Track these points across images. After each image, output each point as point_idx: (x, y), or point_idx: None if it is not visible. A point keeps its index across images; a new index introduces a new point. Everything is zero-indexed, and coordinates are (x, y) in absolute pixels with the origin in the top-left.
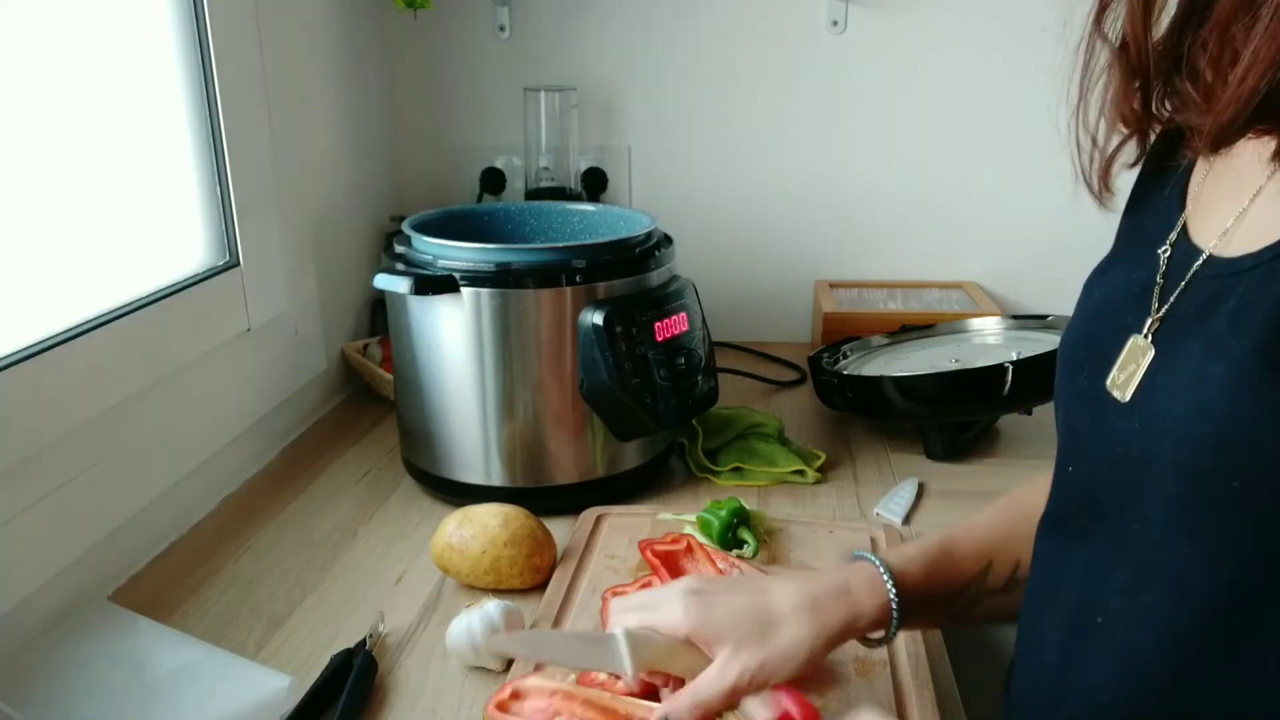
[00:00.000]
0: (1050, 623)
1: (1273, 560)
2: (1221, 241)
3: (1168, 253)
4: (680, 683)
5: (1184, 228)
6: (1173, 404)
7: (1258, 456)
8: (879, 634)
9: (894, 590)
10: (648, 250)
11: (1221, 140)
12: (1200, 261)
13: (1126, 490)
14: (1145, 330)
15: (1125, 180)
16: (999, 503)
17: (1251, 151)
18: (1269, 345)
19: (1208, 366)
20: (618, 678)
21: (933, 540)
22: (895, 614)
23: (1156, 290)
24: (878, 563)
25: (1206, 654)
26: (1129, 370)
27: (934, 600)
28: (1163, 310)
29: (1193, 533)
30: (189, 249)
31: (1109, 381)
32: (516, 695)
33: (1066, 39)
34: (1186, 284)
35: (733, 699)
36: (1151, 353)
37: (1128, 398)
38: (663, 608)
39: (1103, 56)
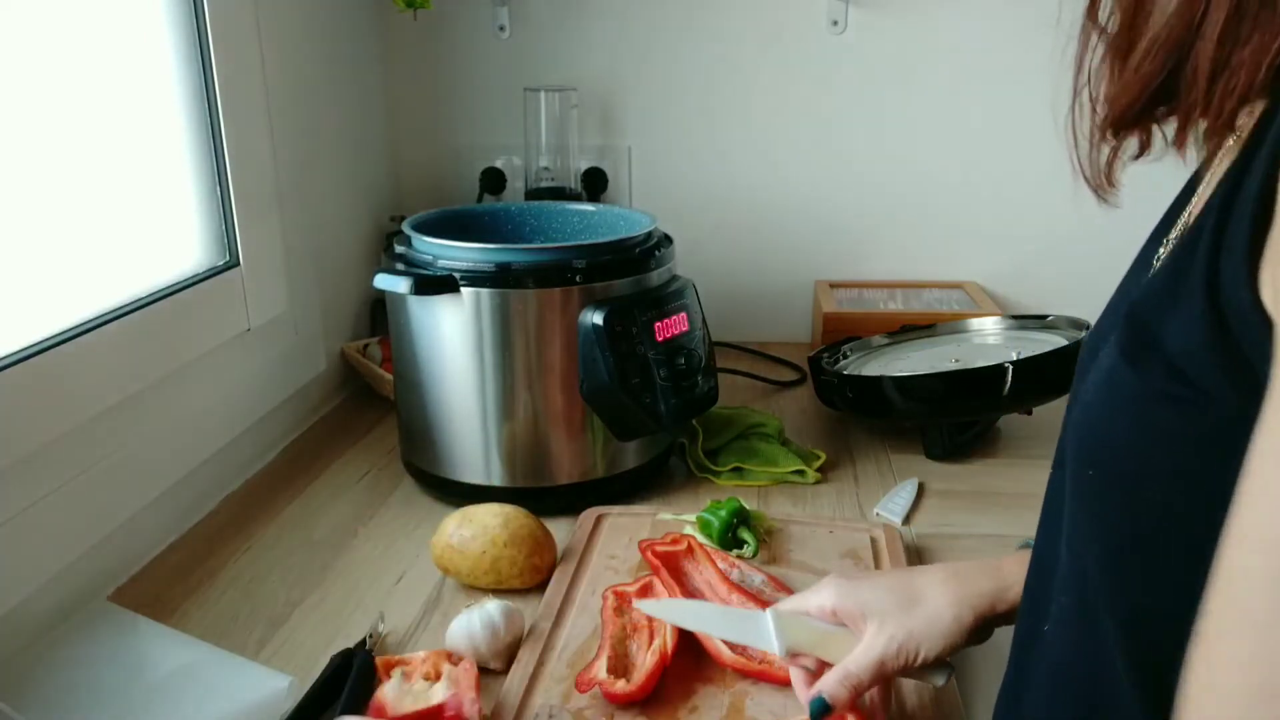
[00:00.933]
0: (1021, 631)
1: (1142, 560)
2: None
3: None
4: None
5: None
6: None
7: (1105, 447)
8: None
9: None
10: (648, 250)
11: (1120, 125)
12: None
13: (1059, 494)
14: None
15: (1127, 175)
16: None
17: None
18: (1131, 338)
19: (1102, 361)
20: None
21: None
22: None
23: None
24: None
25: (1109, 660)
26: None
27: None
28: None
29: (1080, 532)
30: (189, 249)
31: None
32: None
33: (1062, 29)
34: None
35: (881, 672)
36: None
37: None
38: (811, 593)
39: (1099, 47)
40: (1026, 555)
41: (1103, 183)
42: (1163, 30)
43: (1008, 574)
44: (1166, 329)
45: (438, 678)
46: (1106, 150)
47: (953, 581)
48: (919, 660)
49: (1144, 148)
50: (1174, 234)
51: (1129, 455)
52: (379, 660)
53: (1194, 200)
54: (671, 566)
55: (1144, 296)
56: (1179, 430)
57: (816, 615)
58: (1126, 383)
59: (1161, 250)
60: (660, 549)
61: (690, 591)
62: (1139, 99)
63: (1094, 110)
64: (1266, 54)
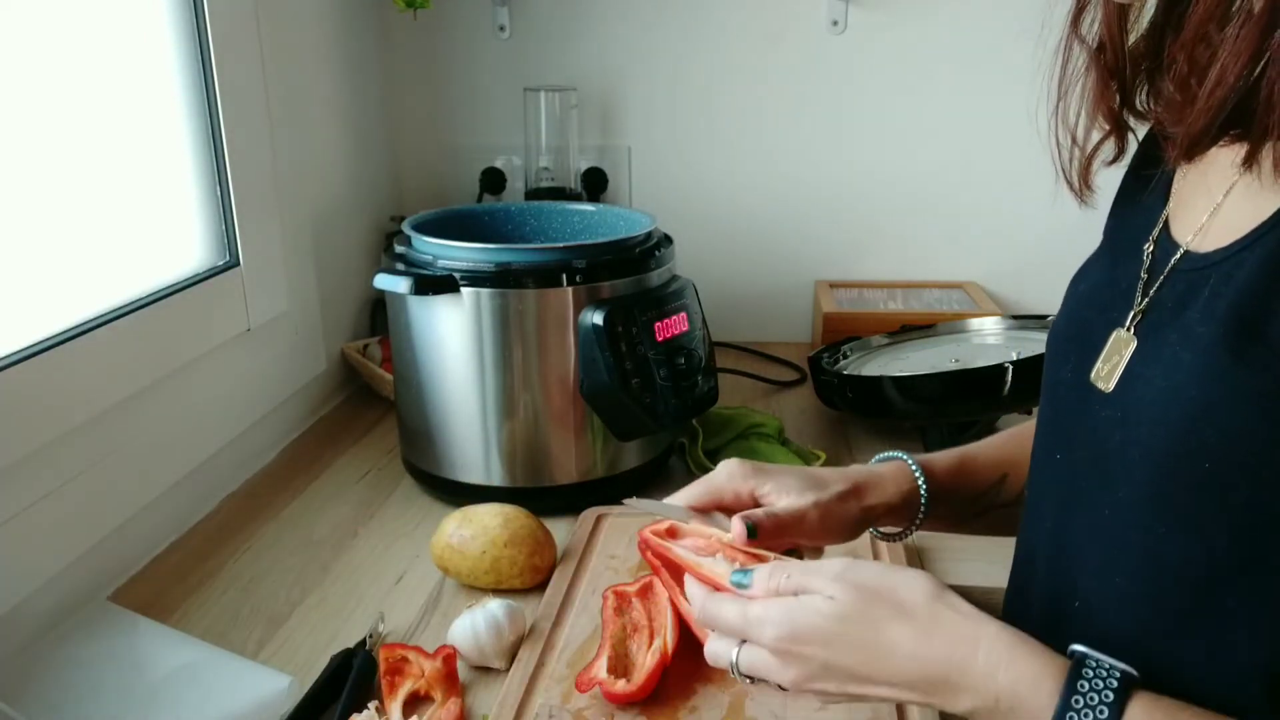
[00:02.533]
0: (1029, 605)
1: (1239, 538)
2: (1198, 237)
3: (1150, 248)
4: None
5: (1165, 224)
6: (1148, 391)
7: (1223, 438)
8: (899, 529)
9: (922, 477)
10: (648, 250)
11: (1194, 150)
12: (1178, 256)
13: (1103, 476)
14: (1128, 323)
15: (1104, 177)
16: (1012, 429)
17: (1226, 151)
18: (1232, 332)
19: (1180, 355)
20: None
21: (954, 450)
22: (923, 497)
23: (1140, 285)
24: (905, 456)
25: (1180, 629)
26: (1112, 362)
27: (953, 499)
28: (1144, 303)
29: (1165, 514)
30: (189, 249)
31: (1093, 374)
32: (673, 532)
33: (1044, 40)
34: (1165, 278)
35: (800, 517)
36: (1134, 345)
37: (1110, 388)
38: (718, 472)
39: (1081, 57)
40: (900, 465)
41: (1081, 185)
42: (1231, 59)
43: (887, 480)
44: (1272, 320)
45: (428, 693)
46: (1080, 155)
47: (860, 487)
48: (814, 524)
49: (1119, 153)
50: (1189, 241)
51: (1253, 447)
52: (382, 649)
53: (1186, 206)
54: (671, 567)
55: (1239, 294)
56: None
57: (726, 484)
58: (1238, 378)
59: (1146, 250)
60: (656, 531)
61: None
62: (1211, 125)
63: (1074, 117)
64: None
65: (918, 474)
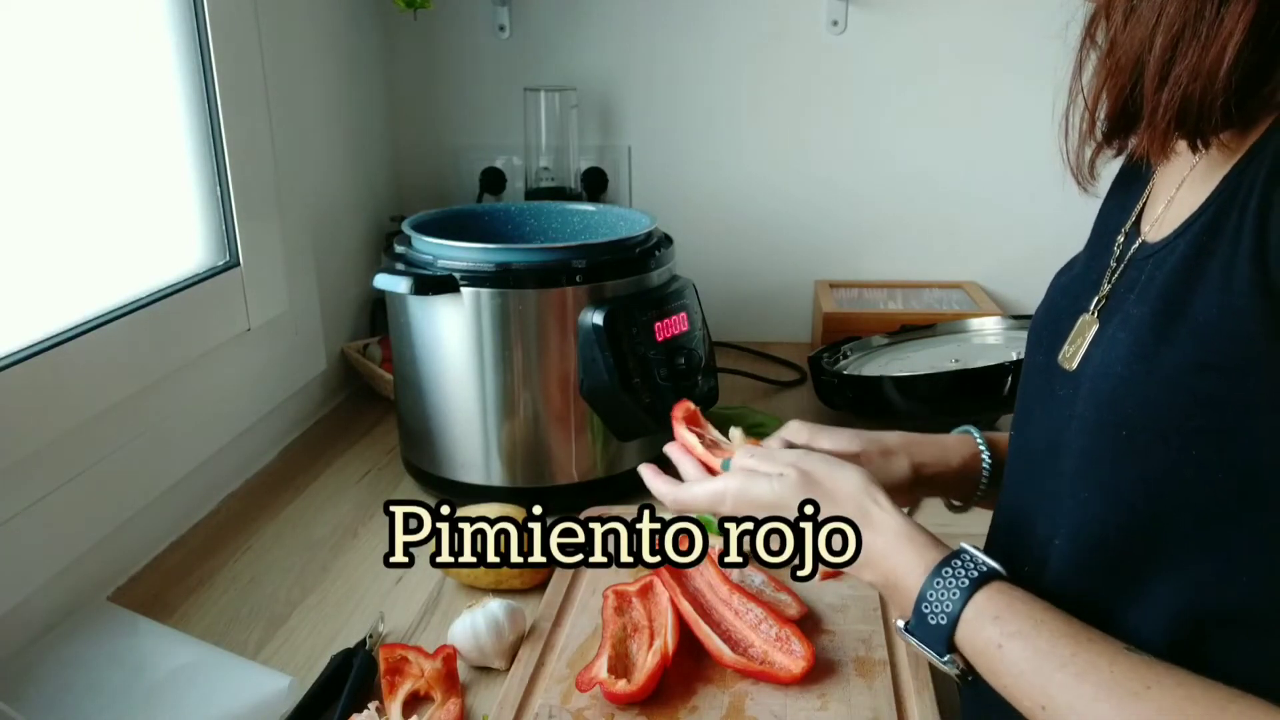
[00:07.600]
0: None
1: (1154, 503)
2: (1153, 228)
3: (1121, 239)
4: None
5: (1138, 217)
6: (1090, 368)
7: (1141, 409)
8: (961, 501)
9: (985, 448)
10: (648, 250)
11: (1110, 133)
12: (1135, 246)
13: (1053, 448)
14: (1092, 308)
15: (1107, 169)
16: None
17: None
18: (1159, 312)
19: (1118, 335)
20: None
21: None
22: (985, 468)
23: (1108, 273)
24: (973, 430)
25: (1107, 587)
26: (1076, 344)
27: None
28: (1107, 290)
29: (1091, 481)
30: (189, 249)
31: (1060, 356)
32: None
33: (1048, 39)
34: (1124, 266)
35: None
36: (1095, 327)
37: (1073, 368)
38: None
39: (1093, 59)
40: (964, 436)
41: (1085, 174)
42: (1122, 56)
43: (950, 448)
44: (1195, 301)
45: (428, 693)
46: (1092, 146)
47: (911, 447)
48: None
49: (1121, 149)
50: (1147, 231)
51: (1167, 418)
52: (382, 649)
53: (1154, 200)
54: (674, 572)
55: (1167, 277)
56: (1220, 394)
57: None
58: (1159, 354)
59: (1118, 241)
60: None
61: (691, 592)
62: (1114, 110)
63: (1089, 113)
64: (1202, 71)
65: (981, 445)
